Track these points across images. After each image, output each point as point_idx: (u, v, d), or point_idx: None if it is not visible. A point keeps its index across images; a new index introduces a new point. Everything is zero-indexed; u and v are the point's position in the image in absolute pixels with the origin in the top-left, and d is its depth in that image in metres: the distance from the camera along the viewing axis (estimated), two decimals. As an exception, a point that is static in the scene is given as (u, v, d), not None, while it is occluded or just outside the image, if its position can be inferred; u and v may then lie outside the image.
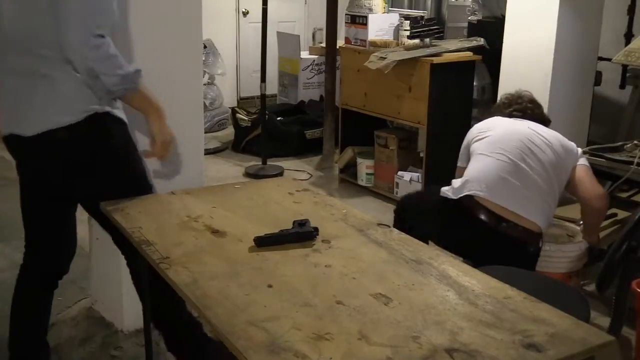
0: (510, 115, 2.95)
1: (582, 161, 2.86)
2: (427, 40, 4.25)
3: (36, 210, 2.31)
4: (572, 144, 2.87)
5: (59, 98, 2.01)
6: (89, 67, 1.92)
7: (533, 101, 3.02)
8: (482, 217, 2.66)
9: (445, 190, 2.79)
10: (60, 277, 2.41)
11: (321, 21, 5.82)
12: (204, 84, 5.93)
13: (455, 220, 2.74)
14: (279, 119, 5.71)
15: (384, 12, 4.60)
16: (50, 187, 2.21)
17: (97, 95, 2.03)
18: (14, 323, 2.37)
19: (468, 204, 2.70)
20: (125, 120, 2.14)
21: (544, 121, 2.98)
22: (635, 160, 3.09)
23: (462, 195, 2.71)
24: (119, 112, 2.12)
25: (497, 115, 2.99)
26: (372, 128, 4.66)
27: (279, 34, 6.55)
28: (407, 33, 4.31)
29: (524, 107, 2.97)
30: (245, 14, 7.25)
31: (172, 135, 2.15)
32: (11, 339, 2.38)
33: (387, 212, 4.34)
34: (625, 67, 4.71)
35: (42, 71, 2.00)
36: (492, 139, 2.83)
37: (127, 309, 2.79)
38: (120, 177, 2.15)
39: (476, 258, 2.47)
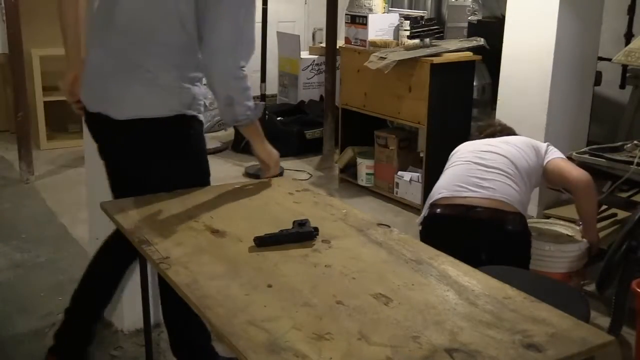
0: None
1: (558, 154, 2.93)
2: (427, 40, 4.25)
3: (118, 184, 2.35)
4: (539, 142, 2.97)
5: (157, 94, 2.10)
6: (229, 95, 2.08)
7: (502, 124, 3.17)
8: (449, 212, 2.70)
9: (419, 221, 2.88)
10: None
11: (321, 21, 5.82)
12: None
13: (431, 234, 2.76)
14: (279, 119, 5.71)
15: (384, 12, 4.60)
16: (125, 167, 2.28)
17: (224, 118, 2.23)
18: (86, 284, 2.43)
19: (433, 212, 2.76)
20: (204, 121, 2.26)
21: None
22: (635, 160, 3.09)
23: (427, 209, 2.80)
24: (202, 116, 2.23)
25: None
26: (372, 128, 4.66)
27: (279, 34, 6.55)
28: (407, 33, 4.30)
29: (492, 131, 3.09)
30: (245, 14, 7.24)
31: (277, 153, 2.35)
32: (75, 301, 2.43)
33: (387, 212, 4.34)
34: (625, 67, 4.71)
35: (144, 65, 2.09)
36: (452, 158, 2.97)
37: (127, 309, 2.79)
38: (191, 169, 2.26)
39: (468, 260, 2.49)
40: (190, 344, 2.42)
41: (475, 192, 2.69)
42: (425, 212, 2.83)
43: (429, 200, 2.83)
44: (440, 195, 2.76)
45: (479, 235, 2.64)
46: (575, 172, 2.86)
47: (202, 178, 2.29)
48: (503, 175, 2.73)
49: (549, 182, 3.05)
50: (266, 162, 2.31)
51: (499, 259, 2.36)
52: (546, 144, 2.97)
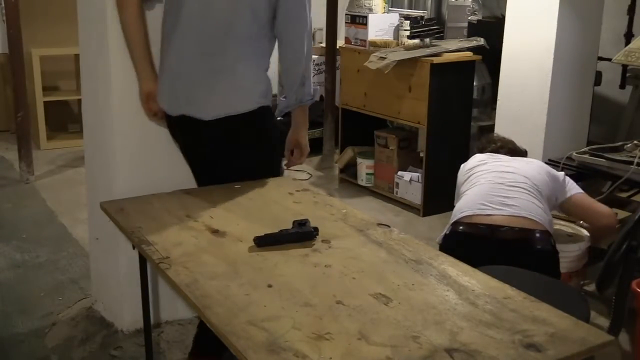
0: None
1: (579, 189, 2.89)
2: (427, 40, 4.25)
3: (205, 178, 2.42)
4: (555, 171, 2.92)
5: (240, 89, 2.22)
6: (304, 75, 2.26)
7: (501, 139, 3.15)
8: (472, 231, 2.61)
9: (439, 240, 2.79)
10: None
11: (321, 21, 5.82)
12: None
13: (451, 252, 2.70)
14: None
15: (384, 12, 4.60)
16: (213, 160, 2.35)
17: (289, 102, 2.34)
18: None
19: (456, 230, 2.67)
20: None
21: (520, 153, 3.05)
22: (635, 160, 3.09)
23: (449, 227, 2.70)
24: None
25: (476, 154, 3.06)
26: (372, 128, 4.66)
27: (279, 34, 6.54)
28: (407, 33, 4.30)
29: (494, 148, 3.05)
30: (245, 14, 7.24)
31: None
32: None
33: (387, 212, 4.34)
34: (625, 67, 4.71)
35: (222, 62, 2.17)
36: (471, 178, 2.89)
37: (127, 309, 2.79)
38: (270, 159, 2.39)
39: None
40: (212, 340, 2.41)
41: (500, 210, 2.60)
42: (447, 230, 2.72)
43: (452, 220, 2.72)
44: (462, 214, 2.66)
45: (505, 257, 2.50)
46: (600, 210, 2.86)
47: (279, 168, 2.41)
48: (526, 193, 2.67)
49: (568, 214, 2.99)
50: (303, 148, 2.41)
51: None
52: (562, 174, 2.90)
